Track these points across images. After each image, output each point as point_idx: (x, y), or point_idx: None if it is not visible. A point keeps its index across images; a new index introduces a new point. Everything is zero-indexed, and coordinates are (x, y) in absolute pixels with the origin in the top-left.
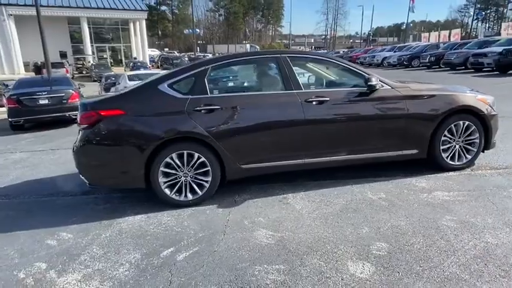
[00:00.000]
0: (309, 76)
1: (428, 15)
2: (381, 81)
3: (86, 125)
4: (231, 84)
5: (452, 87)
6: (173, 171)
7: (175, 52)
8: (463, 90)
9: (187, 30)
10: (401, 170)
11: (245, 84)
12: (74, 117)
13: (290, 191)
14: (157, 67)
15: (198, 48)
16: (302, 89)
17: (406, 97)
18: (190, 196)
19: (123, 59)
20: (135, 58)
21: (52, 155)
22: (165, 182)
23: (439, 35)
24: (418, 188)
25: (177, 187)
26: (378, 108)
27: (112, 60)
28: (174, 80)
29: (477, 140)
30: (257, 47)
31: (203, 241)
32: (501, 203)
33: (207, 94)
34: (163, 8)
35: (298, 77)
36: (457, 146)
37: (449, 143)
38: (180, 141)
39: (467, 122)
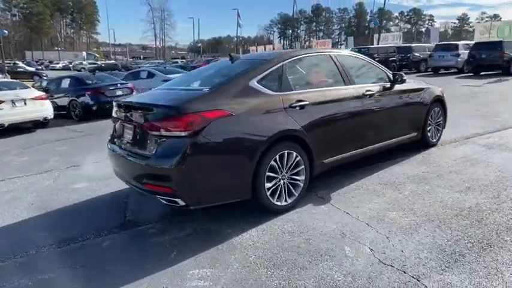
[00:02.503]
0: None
1: (242, 32)
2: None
3: (186, 132)
4: (305, 79)
5: (424, 82)
6: (275, 175)
7: None
8: (430, 84)
9: None
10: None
11: (314, 79)
12: None
13: (355, 179)
14: None
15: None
16: (356, 84)
17: (414, 90)
18: (288, 199)
19: None
20: None
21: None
22: (269, 188)
23: (264, 48)
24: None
25: (278, 191)
26: (400, 98)
27: None
28: (260, 77)
29: (442, 121)
30: (96, 55)
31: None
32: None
33: (292, 90)
34: None
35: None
36: (433, 127)
37: (429, 125)
38: (282, 141)
39: (437, 108)
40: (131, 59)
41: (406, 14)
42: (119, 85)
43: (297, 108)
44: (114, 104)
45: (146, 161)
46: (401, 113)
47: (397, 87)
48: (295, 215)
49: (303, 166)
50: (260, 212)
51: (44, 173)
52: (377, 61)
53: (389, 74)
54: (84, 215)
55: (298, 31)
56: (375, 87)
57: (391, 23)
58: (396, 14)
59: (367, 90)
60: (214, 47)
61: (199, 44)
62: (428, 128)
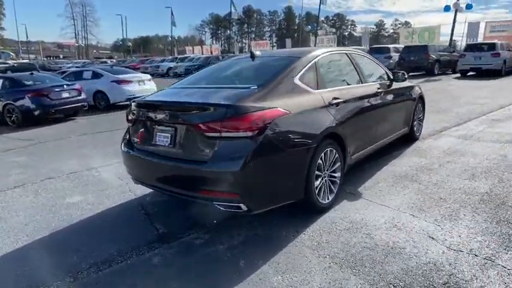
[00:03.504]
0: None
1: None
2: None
3: (251, 133)
4: (332, 77)
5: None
6: (319, 173)
7: None
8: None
9: None
10: (379, 153)
11: (339, 76)
12: None
13: (369, 174)
14: None
15: None
16: (368, 82)
17: (408, 87)
18: (329, 197)
19: None
20: None
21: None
22: (316, 187)
23: (201, 49)
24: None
25: (322, 190)
26: (399, 95)
27: None
28: (301, 74)
29: (422, 117)
30: (11, 53)
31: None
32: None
33: (325, 88)
34: None
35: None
36: (416, 122)
37: (415, 120)
38: (326, 138)
39: (420, 104)
40: (45, 59)
41: (331, 18)
42: (65, 86)
43: (334, 105)
44: (133, 104)
45: (201, 165)
46: (400, 109)
47: (396, 84)
48: (338, 212)
49: (340, 163)
50: (300, 213)
51: (15, 188)
52: None
53: (388, 72)
54: (105, 233)
55: (231, 32)
56: (382, 85)
57: (318, 26)
58: (322, 18)
59: (377, 88)
60: (141, 47)
61: (129, 43)
62: (414, 123)
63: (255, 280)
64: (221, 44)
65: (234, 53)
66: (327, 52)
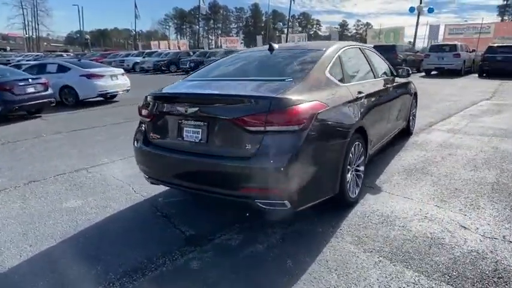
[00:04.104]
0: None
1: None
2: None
3: (298, 126)
4: (352, 71)
5: None
6: (349, 167)
7: None
8: None
9: None
10: None
11: (357, 71)
12: None
13: (379, 168)
14: None
15: None
16: (379, 77)
17: (407, 83)
18: (356, 191)
19: None
20: None
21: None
22: (348, 181)
23: (178, 44)
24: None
25: (351, 184)
26: (402, 90)
27: None
28: (329, 67)
29: (415, 112)
30: None
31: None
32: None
33: (350, 82)
34: None
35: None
36: (411, 117)
37: (410, 115)
38: (355, 132)
39: (414, 100)
40: None
41: (297, 17)
42: (30, 80)
43: (359, 99)
44: (151, 96)
45: (244, 162)
46: (401, 103)
47: (398, 80)
48: (365, 206)
49: (363, 157)
50: (328, 207)
51: None
52: None
53: (391, 67)
54: (124, 238)
55: (199, 27)
56: (389, 80)
57: (290, 24)
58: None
59: (386, 83)
60: (100, 40)
61: (87, 36)
62: (410, 118)
63: (309, 280)
64: (187, 40)
65: (203, 48)
66: (346, 46)
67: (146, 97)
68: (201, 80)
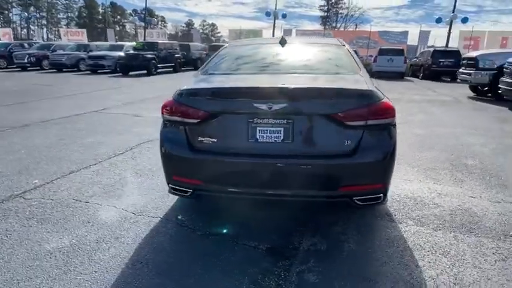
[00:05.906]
0: None
1: None
2: None
3: (390, 119)
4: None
5: None
6: None
7: None
8: None
9: None
10: None
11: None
12: None
13: None
14: None
15: None
16: None
17: None
18: None
19: None
20: None
21: None
22: None
23: None
24: None
25: None
26: None
27: None
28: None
29: None
30: None
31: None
32: None
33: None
34: None
35: None
36: None
37: None
38: None
39: None
40: None
41: (140, 12)
42: None
43: None
44: (197, 92)
45: (346, 159)
46: None
47: None
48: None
49: None
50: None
51: None
52: None
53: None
54: (180, 269)
55: (11, 15)
56: None
57: (125, 20)
58: (130, 11)
59: None
60: None
61: None
62: None
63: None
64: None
65: (32, 39)
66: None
67: (185, 93)
68: (239, 73)
